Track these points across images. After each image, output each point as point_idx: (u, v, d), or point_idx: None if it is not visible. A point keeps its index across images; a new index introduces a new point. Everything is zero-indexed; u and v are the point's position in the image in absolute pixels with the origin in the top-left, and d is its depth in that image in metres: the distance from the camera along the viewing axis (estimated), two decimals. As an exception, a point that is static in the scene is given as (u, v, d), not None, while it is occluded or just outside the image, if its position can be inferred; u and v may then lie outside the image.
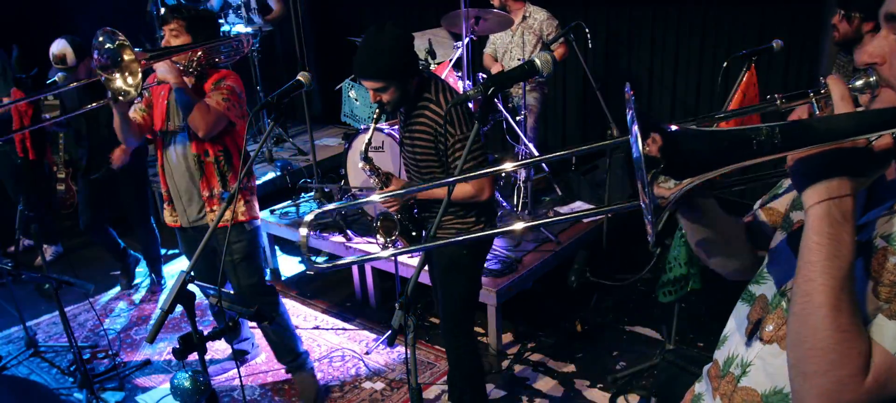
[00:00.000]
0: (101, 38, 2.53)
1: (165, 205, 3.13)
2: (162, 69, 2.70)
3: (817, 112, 0.99)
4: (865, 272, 0.99)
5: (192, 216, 3.08)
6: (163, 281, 4.71)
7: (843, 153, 0.90)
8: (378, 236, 2.74)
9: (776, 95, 1.03)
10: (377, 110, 2.56)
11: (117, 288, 4.73)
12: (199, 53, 2.87)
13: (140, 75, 2.56)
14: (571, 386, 3.40)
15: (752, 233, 1.32)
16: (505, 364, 3.63)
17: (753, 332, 1.20)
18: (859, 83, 0.99)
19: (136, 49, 2.56)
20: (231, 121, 2.90)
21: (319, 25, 7.54)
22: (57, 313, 3.12)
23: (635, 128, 0.86)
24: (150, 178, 4.53)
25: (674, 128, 0.87)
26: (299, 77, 2.33)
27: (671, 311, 3.30)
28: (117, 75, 2.58)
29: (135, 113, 2.98)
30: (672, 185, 0.87)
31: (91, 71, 3.94)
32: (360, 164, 2.70)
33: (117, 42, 2.53)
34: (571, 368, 3.55)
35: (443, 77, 4.24)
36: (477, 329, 3.89)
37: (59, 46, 3.83)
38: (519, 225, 1.33)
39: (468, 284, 2.71)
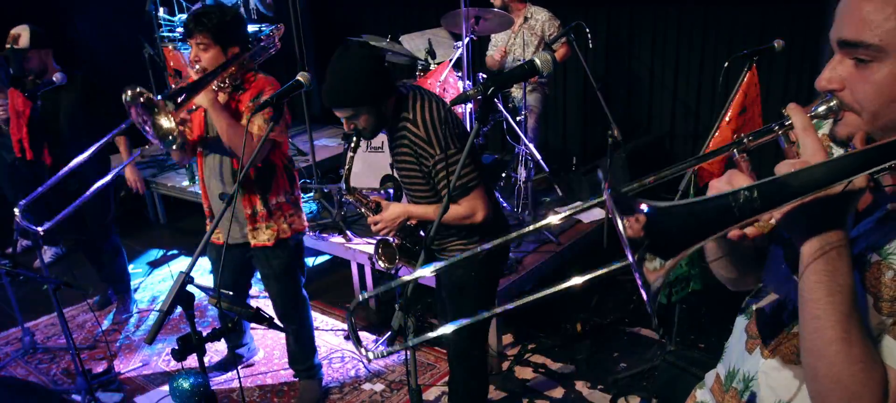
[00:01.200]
0: (127, 99, 2.37)
1: (208, 222, 3.03)
2: (203, 101, 2.57)
3: (785, 145, 1.00)
4: (862, 287, 0.99)
5: (235, 235, 2.92)
6: (133, 303, 4.43)
7: (823, 204, 0.90)
8: (379, 263, 2.56)
9: (743, 135, 1.04)
10: (355, 138, 2.40)
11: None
12: (233, 69, 2.67)
13: (173, 118, 2.41)
14: (572, 388, 3.39)
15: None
16: (505, 365, 3.61)
17: (754, 347, 1.20)
18: (821, 109, 1.00)
19: (167, 90, 2.42)
20: (277, 141, 2.75)
21: (319, 25, 7.53)
22: (55, 314, 3.10)
23: (618, 217, 0.85)
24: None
25: (648, 207, 0.86)
26: (299, 77, 2.30)
27: (672, 312, 3.29)
28: (161, 119, 2.42)
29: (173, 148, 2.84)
30: (659, 264, 0.87)
31: (44, 62, 3.75)
32: (346, 197, 2.54)
33: (142, 98, 2.37)
34: (572, 369, 3.53)
35: (443, 77, 4.23)
36: (477, 330, 3.87)
37: (17, 28, 3.69)
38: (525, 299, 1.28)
39: (477, 307, 2.53)
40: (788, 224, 0.95)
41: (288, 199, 2.93)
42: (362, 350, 1.24)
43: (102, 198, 4.08)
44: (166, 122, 2.43)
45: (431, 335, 1.27)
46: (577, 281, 1.08)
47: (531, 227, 1.26)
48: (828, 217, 0.92)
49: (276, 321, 3.01)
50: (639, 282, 0.89)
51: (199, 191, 3.02)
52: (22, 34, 3.68)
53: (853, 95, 0.97)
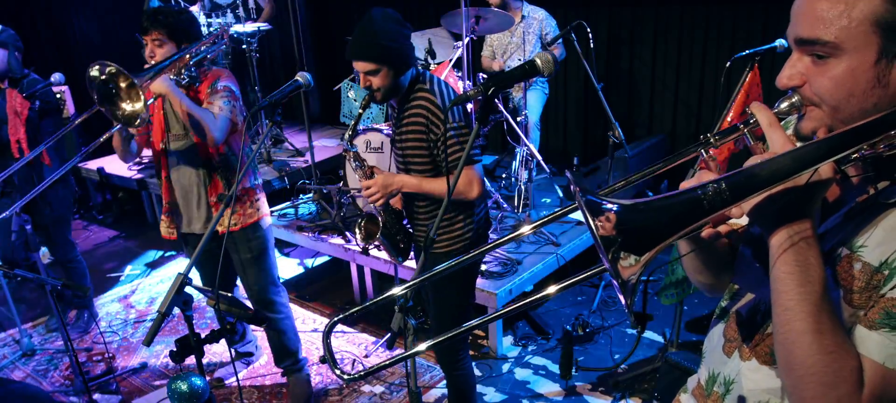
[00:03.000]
0: (92, 73, 2.44)
1: (163, 217, 3.05)
2: (159, 86, 2.63)
3: (751, 143, 1.01)
4: (834, 281, 1.00)
5: (201, 222, 3.00)
6: (95, 316, 4.29)
7: (792, 194, 0.92)
8: (357, 235, 2.61)
9: (709, 134, 1.06)
10: (366, 97, 2.45)
11: (114, 290, 4.71)
12: (187, 58, 2.79)
13: (142, 96, 2.47)
14: (573, 390, 3.37)
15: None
16: (505, 367, 3.59)
17: (732, 350, 1.21)
18: (784, 105, 1.03)
19: (132, 75, 2.47)
20: (236, 124, 2.84)
21: (318, 25, 7.52)
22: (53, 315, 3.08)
23: (587, 215, 0.86)
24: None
25: (617, 205, 0.87)
26: (298, 77, 2.30)
27: (673, 314, 3.27)
28: (121, 104, 2.50)
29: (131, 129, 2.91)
30: (633, 261, 0.87)
31: None
32: (344, 152, 2.57)
33: (107, 71, 2.44)
34: (573, 371, 3.51)
35: (443, 77, 4.22)
36: (477, 332, 3.86)
37: None
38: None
39: (459, 297, 2.59)
40: (757, 216, 0.96)
41: (252, 184, 3.02)
42: (338, 371, 1.22)
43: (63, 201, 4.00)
44: (135, 104, 2.50)
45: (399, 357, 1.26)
46: (552, 289, 1.09)
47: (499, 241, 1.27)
48: (796, 207, 0.93)
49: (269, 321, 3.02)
50: (615, 286, 0.89)
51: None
52: None
53: (813, 90, 1.00)
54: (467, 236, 2.49)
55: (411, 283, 1.40)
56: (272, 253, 3.17)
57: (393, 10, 2.37)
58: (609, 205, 0.87)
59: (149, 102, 2.74)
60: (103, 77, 2.45)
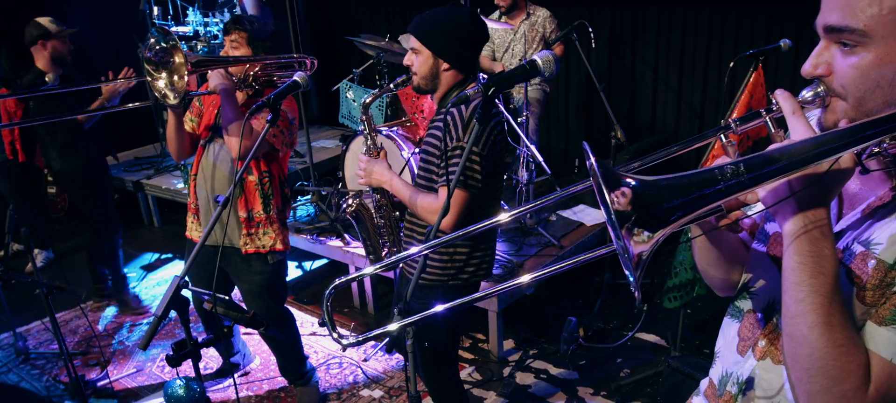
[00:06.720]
0: (153, 38, 2.40)
1: (191, 218, 2.95)
2: (215, 79, 2.56)
3: (773, 130, 1.00)
4: (848, 279, 1.00)
5: (215, 237, 2.83)
6: (139, 300, 4.41)
7: (810, 182, 0.91)
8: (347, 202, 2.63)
9: (730, 119, 1.04)
10: (404, 77, 2.43)
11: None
12: (257, 69, 2.71)
13: (185, 80, 2.39)
14: (575, 394, 3.33)
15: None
16: (506, 371, 3.55)
17: (747, 349, 1.20)
18: (808, 95, 1.01)
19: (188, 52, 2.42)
20: (275, 148, 2.72)
21: (317, 25, 7.49)
22: (47, 318, 3.04)
23: (604, 188, 0.85)
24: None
25: (636, 180, 0.86)
26: (296, 77, 2.26)
27: (676, 317, 3.24)
28: (164, 75, 2.43)
29: (185, 123, 2.83)
30: (646, 237, 0.86)
31: None
32: (361, 116, 2.55)
33: (170, 42, 2.39)
34: (575, 375, 3.47)
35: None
36: (477, 335, 3.82)
37: None
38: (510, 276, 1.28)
39: (440, 334, 2.41)
40: (773, 202, 0.95)
41: (277, 215, 2.89)
42: (335, 335, 1.31)
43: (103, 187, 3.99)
44: (174, 80, 2.43)
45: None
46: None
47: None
48: (813, 195, 0.92)
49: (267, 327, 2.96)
50: (622, 261, 0.89)
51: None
52: None
53: (838, 81, 0.98)
54: (461, 279, 2.35)
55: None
56: (278, 289, 3.03)
57: (480, 19, 2.31)
58: (627, 180, 0.86)
59: (195, 94, 2.71)
60: (161, 45, 2.40)
